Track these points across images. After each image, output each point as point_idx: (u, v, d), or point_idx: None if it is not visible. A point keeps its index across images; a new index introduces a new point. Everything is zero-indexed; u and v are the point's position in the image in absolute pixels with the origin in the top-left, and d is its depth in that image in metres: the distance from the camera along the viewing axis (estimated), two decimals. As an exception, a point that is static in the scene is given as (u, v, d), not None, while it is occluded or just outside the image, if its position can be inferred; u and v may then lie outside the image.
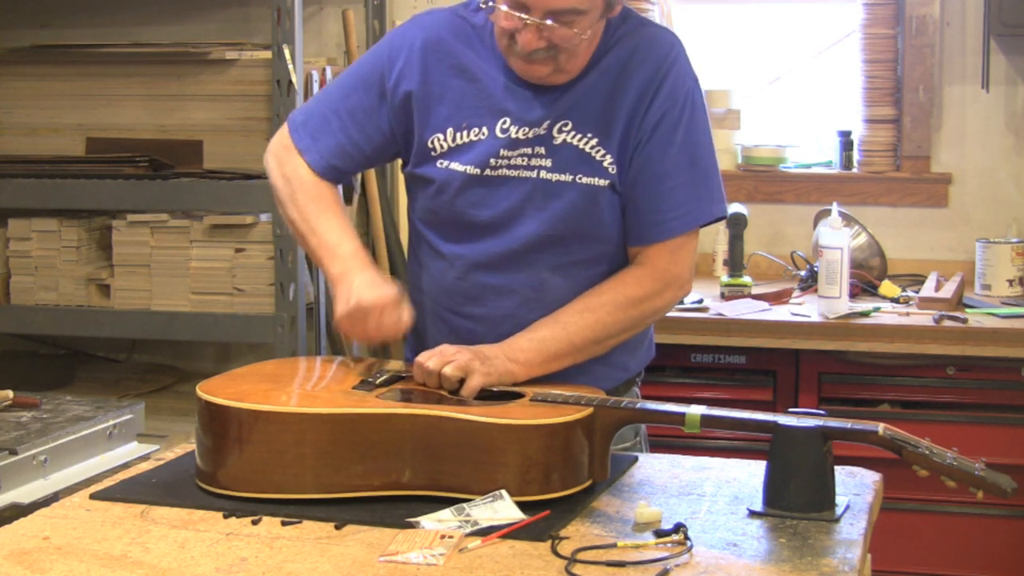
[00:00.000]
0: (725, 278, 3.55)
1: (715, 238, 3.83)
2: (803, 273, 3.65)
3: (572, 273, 2.07)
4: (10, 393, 2.51)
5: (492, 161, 2.05)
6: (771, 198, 3.91)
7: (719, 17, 4.12)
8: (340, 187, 2.19)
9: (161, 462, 2.03)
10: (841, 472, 1.89)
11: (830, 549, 1.66)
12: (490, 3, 1.98)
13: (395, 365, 2.09)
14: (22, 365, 3.94)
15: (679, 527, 1.69)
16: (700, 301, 3.40)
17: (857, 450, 1.83)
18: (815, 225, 3.66)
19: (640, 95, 2.03)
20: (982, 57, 3.66)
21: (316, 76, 3.59)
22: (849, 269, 3.29)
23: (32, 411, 2.48)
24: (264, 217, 3.49)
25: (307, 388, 1.95)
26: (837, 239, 3.27)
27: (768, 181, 3.91)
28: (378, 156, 2.18)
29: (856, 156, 3.88)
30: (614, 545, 1.66)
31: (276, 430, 1.80)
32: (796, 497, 1.77)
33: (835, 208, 3.39)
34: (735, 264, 3.53)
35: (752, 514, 1.79)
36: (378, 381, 1.96)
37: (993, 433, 3.21)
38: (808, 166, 3.96)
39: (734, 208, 3.57)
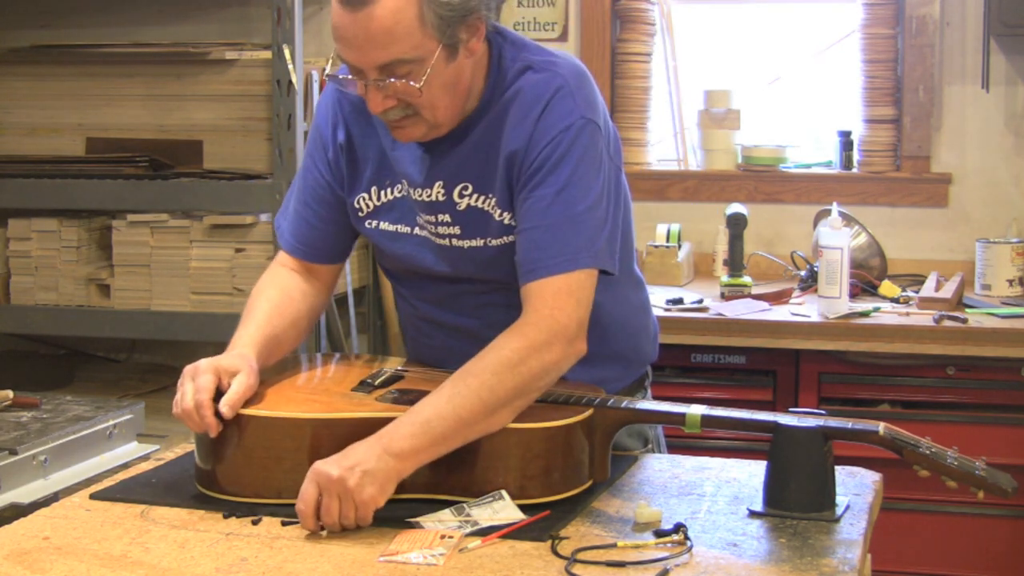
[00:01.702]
0: (725, 278, 3.55)
1: (715, 238, 3.83)
2: (803, 273, 3.65)
3: (515, 303, 1.96)
4: (10, 393, 2.51)
5: (417, 219, 2.01)
6: (771, 198, 3.91)
7: (719, 17, 4.13)
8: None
9: (161, 462, 2.03)
10: (841, 472, 1.89)
11: (830, 549, 1.66)
12: (339, 75, 1.92)
13: (394, 363, 2.09)
14: (22, 365, 3.94)
15: (679, 527, 1.69)
16: (700, 301, 3.40)
17: (857, 450, 1.83)
18: (815, 225, 3.66)
19: (518, 144, 1.91)
20: (982, 57, 3.66)
21: (316, 76, 3.59)
22: (849, 269, 3.29)
23: (32, 411, 2.48)
24: (264, 217, 3.49)
25: (306, 391, 1.95)
26: (837, 239, 3.27)
27: (768, 181, 3.91)
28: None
29: (856, 156, 3.88)
30: (614, 545, 1.66)
31: (276, 436, 1.80)
32: (796, 497, 1.77)
33: (835, 208, 3.39)
34: (735, 264, 3.53)
35: (752, 514, 1.79)
36: (377, 382, 1.96)
37: (993, 433, 3.21)
38: (808, 166, 3.96)
39: (734, 208, 3.57)
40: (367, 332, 4.00)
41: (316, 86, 3.58)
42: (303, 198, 2.10)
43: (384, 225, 2.04)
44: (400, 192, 2.01)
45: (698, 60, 4.10)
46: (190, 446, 1.98)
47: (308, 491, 1.70)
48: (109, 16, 4.10)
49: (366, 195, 2.04)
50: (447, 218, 1.98)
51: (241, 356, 1.91)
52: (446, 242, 1.99)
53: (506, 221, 1.95)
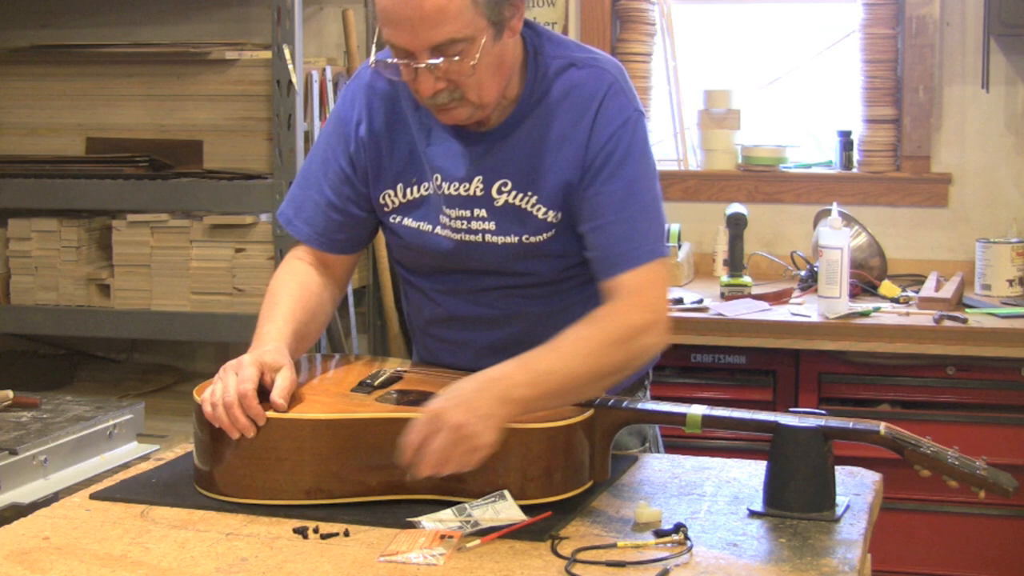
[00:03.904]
0: (725, 278, 3.55)
1: (715, 238, 3.83)
2: (803, 273, 3.65)
3: (541, 295, 2.02)
4: (10, 393, 2.51)
5: (440, 218, 2.01)
6: (771, 198, 3.91)
7: (719, 17, 4.12)
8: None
9: (161, 462, 2.03)
10: (841, 472, 1.89)
11: (830, 549, 1.66)
12: (381, 60, 1.91)
13: (393, 364, 2.09)
14: (22, 365, 3.94)
15: (679, 527, 1.69)
16: (700, 301, 3.40)
17: (857, 450, 1.83)
18: (815, 225, 3.66)
19: (576, 146, 1.94)
20: (982, 57, 3.66)
21: (316, 76, 3.59)
22: (849, 269, 3.29)
23: (32, 411, 2.48)
24: (264, 217, 3.49)
25: (306, 391, 1.95)
26: (837, 239, 3.27)
27: (768, 181, 3.91)
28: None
29: (856, 156, 3.88)
30: (614, 545, 1.66)
31: (276, 437, 1.79)
32: (796, 497, 1.77)
33: (835, 208, 3.39)
34: (735, 264, 3.53)
35: (752, 514, 1.79)
36: (376, 383, 1.96)
37: (993, 433, 3.21)
38: (808, 166, 3.96)
39: (734, 208, 3.57)
40: (367, 332, 4.00)
41: (316, 86, 3.58)
42: (322, 188, 2.06)
43: (408, 221, 2.04)
44: (427, 190, 2.01)
45: (698, 60, 4.10)
46: (190, 446, 1.98)
47: (421, 430, 1.70)
48: (109, 16, 4.10)
49: (391, 191, 2.03)
50: (483, 213, 1.98)
51: (278, 351, 1.89)
52: (478, 238, 1.99)
53: (549, 219, 1.96)
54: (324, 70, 3.65)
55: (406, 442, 1.72)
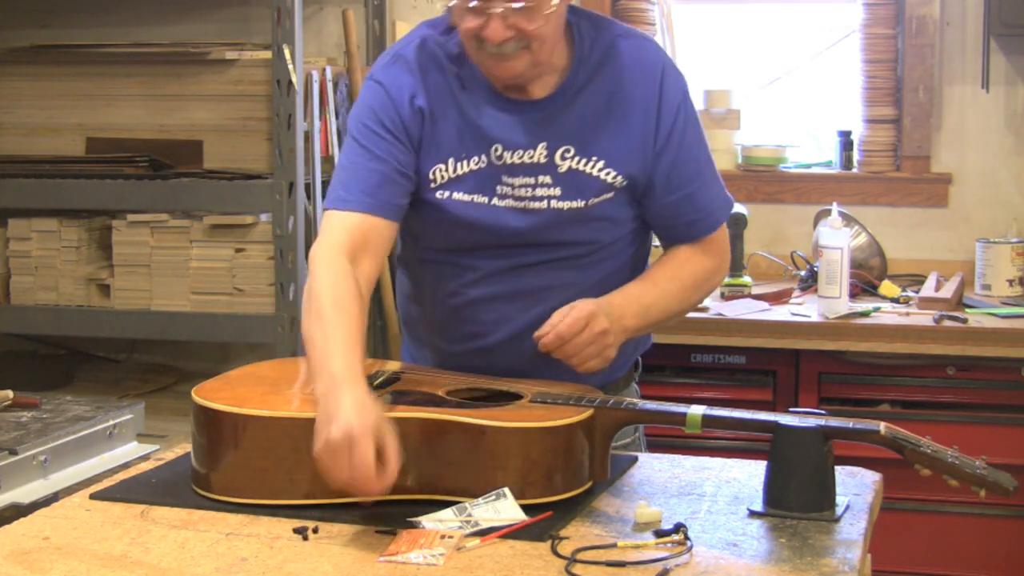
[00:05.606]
0: (725, 278, 3.54)
1: (715, 238, 3.83)
2: (803, 273, 3.65)
3: (582, 266, 2.08)
4: (10, 393, 2.51)
5: (499, 189, 2.02)
6: (771, 198, 3.91)
7: (719, 17, 4.12)
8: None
9: (161, 462, 2.03)
10: (841, 472, 1.89)
11: (830, 549, 1.66)
12: (453, 2, 1.96)
13: (393, 366, 2.09)
14: (22, 365, 3.94)
15: (679, 527, 1.69)
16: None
17: (858, 450, 1.83)
18: (815, 225, 3.66)
19: (645, 113, 2.04)
20: (982, 57, 3.66)
21: (316, 76, 3.59)
22: (849, 269, 3.29)
23: (32, 411, 2.48)
24: (264, 217, 3.49)
25: (305, 391, 1.95)
26: (837, 239, 3.27)
27: (768, 181, 3.91)
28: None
29: (856, 156, 3.88)
30: (614, 545, 1.66)
31: (275, 436, 1.79)
32: (796, 497, 1.77)
33: (835, 208, 3.39)
34: (735, 264, 3.52)
35: (752, 514, 1.79)
36: (376, 383, 1.96)
37: (993, 433, 3.21)
38: (808, 166, 3.96)
39: (734, 208, 3.56)
40: (367, 332, 3.99)
41: (316, 86, 3.58)
42: (377, 157, 2.00)
43: (458, 195, 2.03)
44: (476, 164, 2.03)
45: (698, 60, 4.10)
46: (190, 446, 1.98)
47: (576, 320, 1.92)
48: (109, 16, 4.10)
49: (443, 166, 2.03)
50: (547, 179, 2.03)
51: (370, 406, 1.73)
52: (543, 204, 2.03)
53: (611, 181, 2.04)
54: (324, 70, 3.65)
55: (553, 320, 1.94)
